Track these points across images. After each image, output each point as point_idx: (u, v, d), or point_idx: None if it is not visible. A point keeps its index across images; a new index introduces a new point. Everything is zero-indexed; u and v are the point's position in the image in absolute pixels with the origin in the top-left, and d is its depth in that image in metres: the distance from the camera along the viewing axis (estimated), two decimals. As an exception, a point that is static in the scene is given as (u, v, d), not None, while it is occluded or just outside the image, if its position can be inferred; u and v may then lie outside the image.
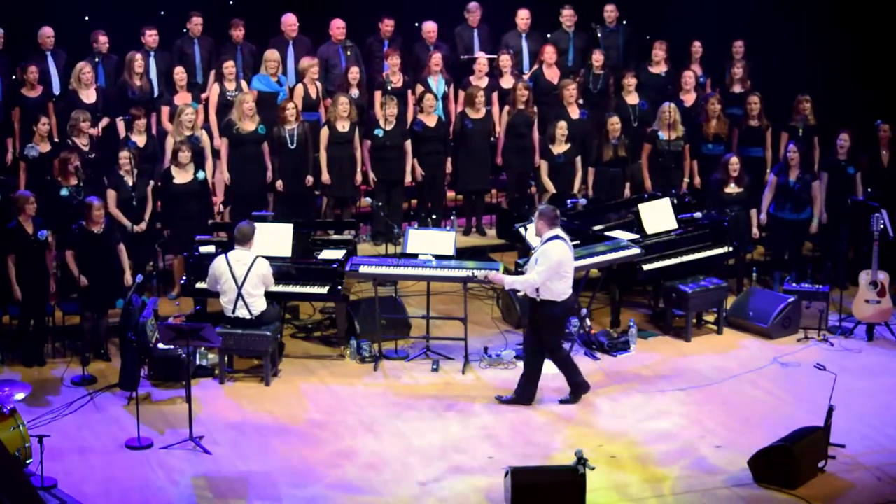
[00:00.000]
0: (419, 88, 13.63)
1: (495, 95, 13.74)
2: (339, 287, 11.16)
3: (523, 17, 14.30)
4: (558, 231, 10.04)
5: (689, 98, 13.73)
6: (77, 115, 12.09)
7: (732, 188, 12.49)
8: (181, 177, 11.95)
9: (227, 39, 13.73)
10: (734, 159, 12.47)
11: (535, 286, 9.94)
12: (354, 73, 13.39)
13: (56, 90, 12.88)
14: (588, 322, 11.49)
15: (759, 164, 13.16)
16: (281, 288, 11.03)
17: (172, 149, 12.08)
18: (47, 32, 12.97)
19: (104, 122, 12.68)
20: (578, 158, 13.23)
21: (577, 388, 10.30)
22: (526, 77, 14.03)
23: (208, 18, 13.68)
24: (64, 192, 11.52)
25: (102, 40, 13.13)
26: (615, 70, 14.20)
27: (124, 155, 11.69)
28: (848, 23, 14.41)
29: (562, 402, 10.28)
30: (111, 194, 11.75)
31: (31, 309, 10.99)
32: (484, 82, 13.69)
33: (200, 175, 12.03)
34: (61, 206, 11.43)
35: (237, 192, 12.71)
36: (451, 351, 11.30)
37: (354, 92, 13.31)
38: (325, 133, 12.94)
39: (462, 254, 11.95)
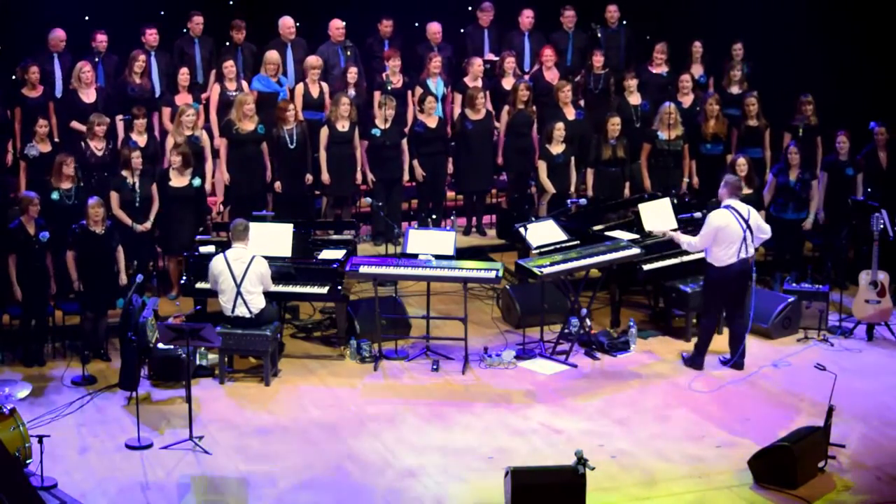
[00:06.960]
0: (419, 89, 13.63)
1: (488, 94, 13.74)
2: (339, 287, 11.17)
3: (528, 16, 14.33)
4: (732, 202, 10.70)
5: (687, 99, 13.73)
6: (93, 119, 12.07)
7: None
8: (177, 180, 11.94)
9: (228, 40, 13.73)
10: (741, 160, 12.44)
11: (696, 249, 10.94)
12: (353, 74, 13.41)
13: (59, 92, 12.85)
14: (588, 322, 11.48)
15: (759, 165, 13.14)
16: (281, 288, 11.03)
17: (169, 151, 12.08)
18: (60, 36, 12.92)
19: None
20: (573, 159, 13.24)
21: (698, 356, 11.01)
22: (526, 77, 14.04)
23: (208, 18, 13.67)
24: (54, 195, 11.42)
25: (101, 39, 13.11)
26: (616, 70, 14.21)
27: (136, 155, 11.69)
28: (848, 23, 14.41)
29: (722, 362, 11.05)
30: (114, 196, 11.75)
31: (31, 309, 10.99)
32: (479, 83, 13.68)
33: (196, 182, 12.00)
34: (51, 209, 11.29)
35: (237, 191, 12.71)
36: (451, 351, 11.30)
37: (353, 92, 13.32)
38: (324, 133, 12.95)
39: (462, 254, 11.94)
